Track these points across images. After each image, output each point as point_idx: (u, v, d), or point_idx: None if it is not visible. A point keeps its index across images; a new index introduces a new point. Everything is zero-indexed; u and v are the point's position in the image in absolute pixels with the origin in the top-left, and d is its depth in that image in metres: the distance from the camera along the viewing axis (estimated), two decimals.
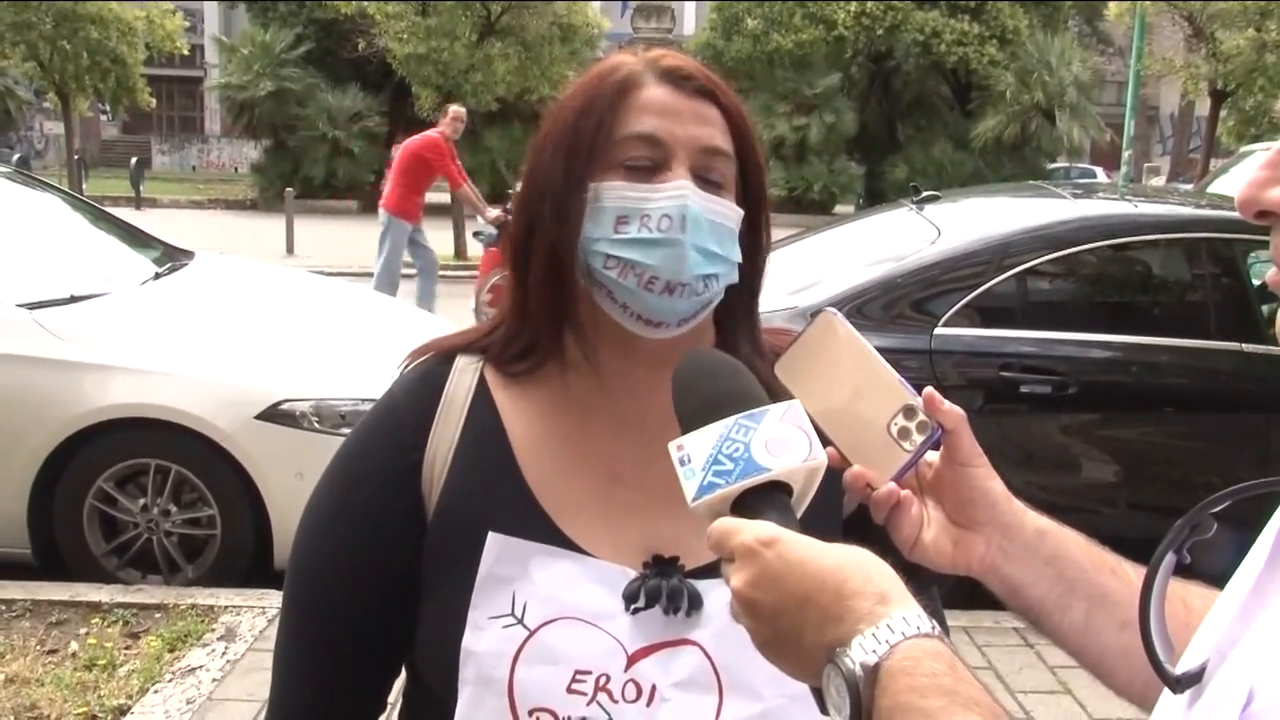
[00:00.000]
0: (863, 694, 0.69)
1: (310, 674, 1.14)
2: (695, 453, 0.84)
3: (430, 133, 9.97)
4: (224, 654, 3.93)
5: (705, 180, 1.04)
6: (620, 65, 1.08)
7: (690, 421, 0.86)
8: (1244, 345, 4.48)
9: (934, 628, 0.71)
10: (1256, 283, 4.69)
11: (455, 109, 10.06)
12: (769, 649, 0.77)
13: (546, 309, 1.08)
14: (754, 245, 1.10)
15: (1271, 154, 0.67)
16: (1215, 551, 0.79)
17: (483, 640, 1.01)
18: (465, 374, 1.12)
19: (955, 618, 4.18)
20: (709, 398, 0.87)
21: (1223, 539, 0.76)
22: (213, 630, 4.10)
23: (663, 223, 1.01)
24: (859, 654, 0.70)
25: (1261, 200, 0.67)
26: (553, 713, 1.00)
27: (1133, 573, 0.93)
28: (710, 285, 1.04)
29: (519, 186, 1.12)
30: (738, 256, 1.07)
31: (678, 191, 1.02)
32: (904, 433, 0.91)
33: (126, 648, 4.00)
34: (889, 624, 0.70)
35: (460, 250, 17.16)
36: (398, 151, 9.82)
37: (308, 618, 1.13)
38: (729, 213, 1.06)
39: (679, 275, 1.02)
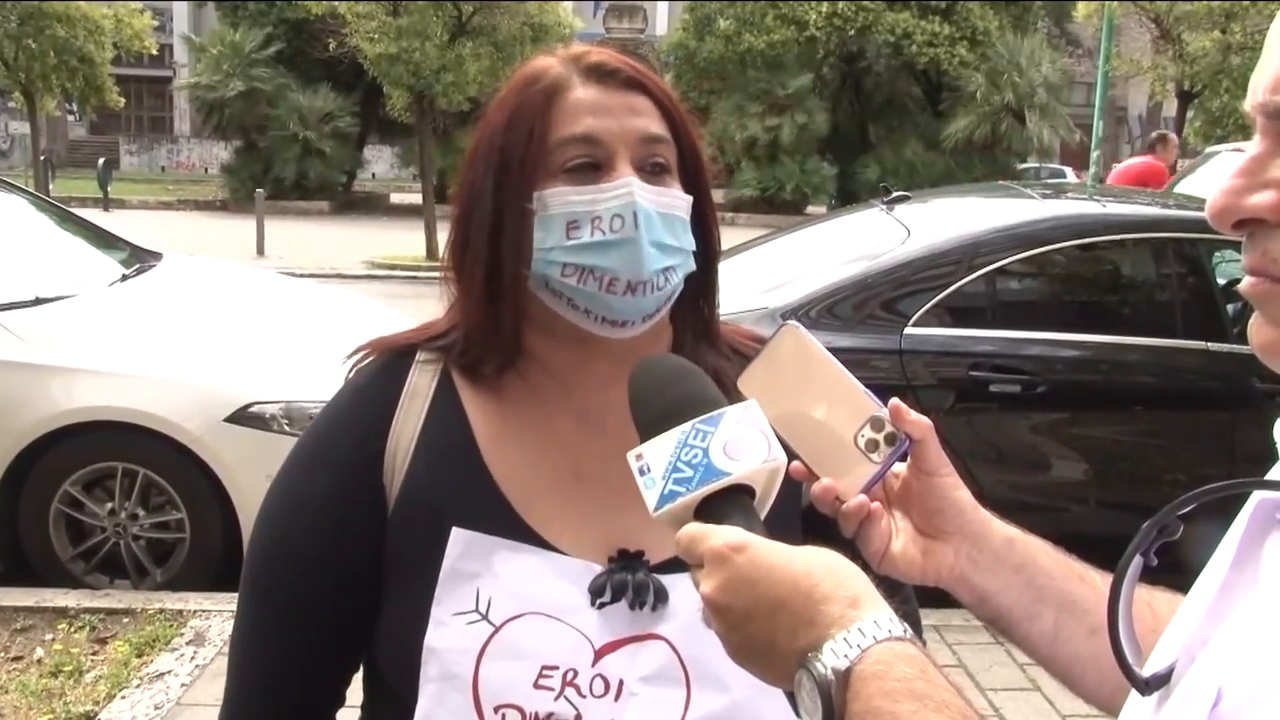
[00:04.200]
0: (835, 699, 0.69)
1: (269, 658, 1.12)
2: (654, 461, 0.83)
3: (1153, 160, 10.48)
4: (193, 658, 3.89)
5: (649, 171, 1.04)
6: (544, 70, 1.06)
7: (648, 429, 0.86)
8: (1209, 344, 4.52)
9: (906, 631, 0.71)
10: (1222, 282, 4.74)
11: (1173, 137, 10.63)
12: (741, 654, 0.77)
13: (492, 324, 1.07)
14: (703, 229, 1.10)
15: (1245, 161, 0.67)
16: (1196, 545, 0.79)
17: (446, 637, 1.01)
18: (428, 367, 1.12)
19: (925, 616, 4.16)
20: (666, 404, 0.87)
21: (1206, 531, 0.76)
22: (181, 635, 4.06)
23: (614, 223, 1.01)
24: (830, 659, 0.70)
25: (1239, 208, 0.66)
26: (519, 709, 0.99)
27: (1100, 579, 0.92)
28: (670, 278, 1.05)
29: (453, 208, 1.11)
30: (692, 244, 1.07)
31: (623, 189, 1.02)
32: (871, 444, 0.90)
33: (94, 653, 3.96)
34: (860, 628, 0.70)
35: (432, 251, 17.09)
36: (1114, 174, 10.46)
37: (267, 600, 1.12)
38: (678, 202, 1.06)
39: (638, 274, 1.02)
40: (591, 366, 1.08)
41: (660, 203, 1.03)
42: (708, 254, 1.11)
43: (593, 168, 1.03)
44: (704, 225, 1.10)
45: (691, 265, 1.07)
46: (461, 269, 1.08)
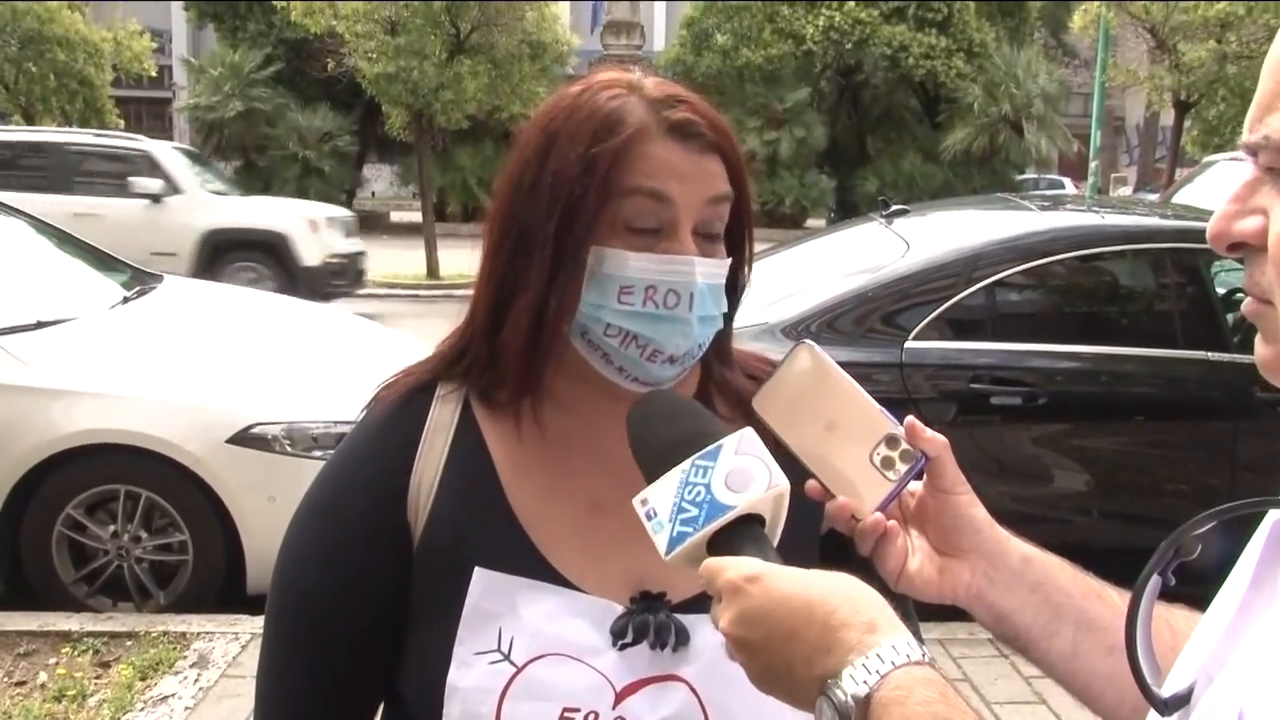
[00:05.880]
0: None
1: (297, 687, 1.12)
2: (659, 505, 0.83)
3: None
4: (196, 681, 3.88)
5: (704, 236, 1.03)
6: (623, 114, 1.01)
7: (651, 469, 0.86)
8: (1210, 354, 4.52)
9: (924, 654, 0.71)
10: (1221, 291, 4.74)
11: None
12: (763, 683, 0.77)
13: (522, 363, 1.05)
14: (736, 282, 1.09)
15: (1238, 187, 0.68)
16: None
17: (469, 676, 1.00)
18: (449, 400, 1.11)
19: (930, 630, 4.17)
20: (663, 443, 0.87)
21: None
22: (185, 657, 4.05)
23: (669, 298, 1.00)
24: (850, 685, 0.69)
25: (1230, 233, 0.68)
26: None
27: (1118, 597, 0.92)
28: (704, 345, 1.05)
29: (490, 226, 1.08)
30: (725, 306, 1.06)
31: (684, 267, 1.00)
32: (887, 462, 0.90)
33: (97, 677, 3.94)
34: (879, 653, 0.70)
35: (432, 269, 17.11)
36: None
37: (295, 630, 1.11)
38: (724, 270, 1.05)
39: (681, 348, 1.02)
40: (613, 406, 1.04)
41: (710, 274, 1.02)
42: (735, 298, 1.10)
43: (654, 231, 1.01)
44: (737, 276, 1.09)
45: (720, 324, 1.06)
46: (500, 305, 1.05)
